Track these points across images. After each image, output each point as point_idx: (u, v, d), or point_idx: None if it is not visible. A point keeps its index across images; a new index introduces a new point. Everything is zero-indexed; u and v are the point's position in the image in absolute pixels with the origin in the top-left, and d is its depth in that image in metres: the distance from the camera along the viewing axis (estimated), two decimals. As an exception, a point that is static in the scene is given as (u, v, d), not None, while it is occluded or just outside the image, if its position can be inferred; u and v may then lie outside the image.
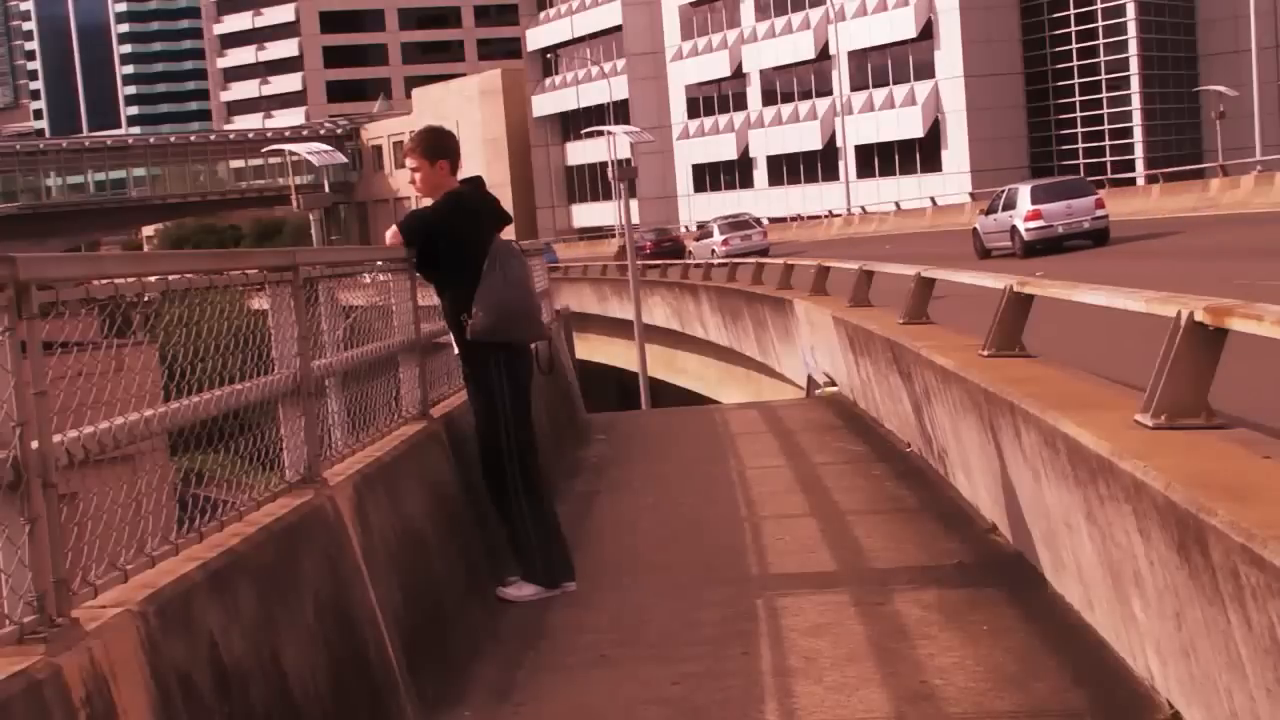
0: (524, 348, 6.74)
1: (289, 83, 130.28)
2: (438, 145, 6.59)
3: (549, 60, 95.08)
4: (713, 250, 46.48)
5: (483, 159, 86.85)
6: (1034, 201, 29.28)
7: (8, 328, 2.84)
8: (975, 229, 31.57)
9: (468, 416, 6.99)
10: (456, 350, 6.70)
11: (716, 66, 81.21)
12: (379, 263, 6.86)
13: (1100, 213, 29.65)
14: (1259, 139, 54.19)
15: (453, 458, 6.85)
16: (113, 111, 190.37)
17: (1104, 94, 66.13)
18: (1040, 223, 28.97)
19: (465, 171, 6.68)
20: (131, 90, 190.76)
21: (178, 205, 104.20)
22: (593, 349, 36.56)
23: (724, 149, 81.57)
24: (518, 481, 6.57)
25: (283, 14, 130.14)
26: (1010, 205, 29.89)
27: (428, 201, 6.71)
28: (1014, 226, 29.28)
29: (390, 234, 6.66)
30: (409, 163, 6.66)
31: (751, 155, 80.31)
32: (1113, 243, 29.23)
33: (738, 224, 51.24)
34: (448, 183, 6.59)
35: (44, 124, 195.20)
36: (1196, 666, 3.93)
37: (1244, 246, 23.70)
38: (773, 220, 71.73)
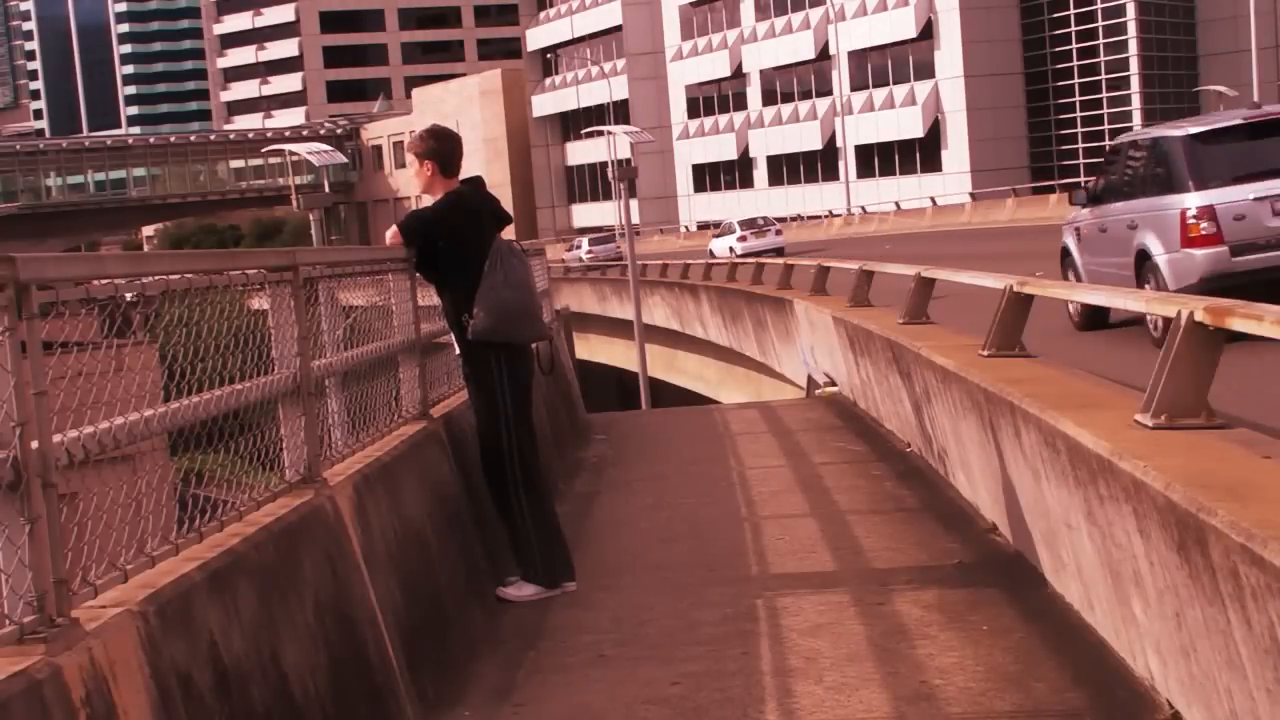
0: (525, 348, 6.75)
1: (289, 83, 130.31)
2: (428, 147, 6.62)
3: (549, 60, 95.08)
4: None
5: (483, 159, 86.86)
6: None
7: (8, 328, 2.84)
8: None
9: (468, 416, 7.00)
10: (457, 350, 6.71)
11: (716, 66, 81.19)
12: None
13: None
14: (1259, 139, 54.12)
15: (453, 458, 6.85)
16: (113, 111, 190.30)
17: (1104, 94, 66.09)
18: None
19: (465, 171, 6.69)
20: (131, 90, 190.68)
21: (178, 205, 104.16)
22: (593, 349, 36.55)
23: (724, 149, 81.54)
24: (518, 481, 6.57)
25: (283, 14, 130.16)
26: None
27: (429, 200, 6.73)
28: None
29: (390, 234, 6.68)
30: (409, 158, 6.79)
31: (751, 155, 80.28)
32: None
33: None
34: (438, 182, 6.60)
35: (44, 124, 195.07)
36: (1196, 666, 3.93)
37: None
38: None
